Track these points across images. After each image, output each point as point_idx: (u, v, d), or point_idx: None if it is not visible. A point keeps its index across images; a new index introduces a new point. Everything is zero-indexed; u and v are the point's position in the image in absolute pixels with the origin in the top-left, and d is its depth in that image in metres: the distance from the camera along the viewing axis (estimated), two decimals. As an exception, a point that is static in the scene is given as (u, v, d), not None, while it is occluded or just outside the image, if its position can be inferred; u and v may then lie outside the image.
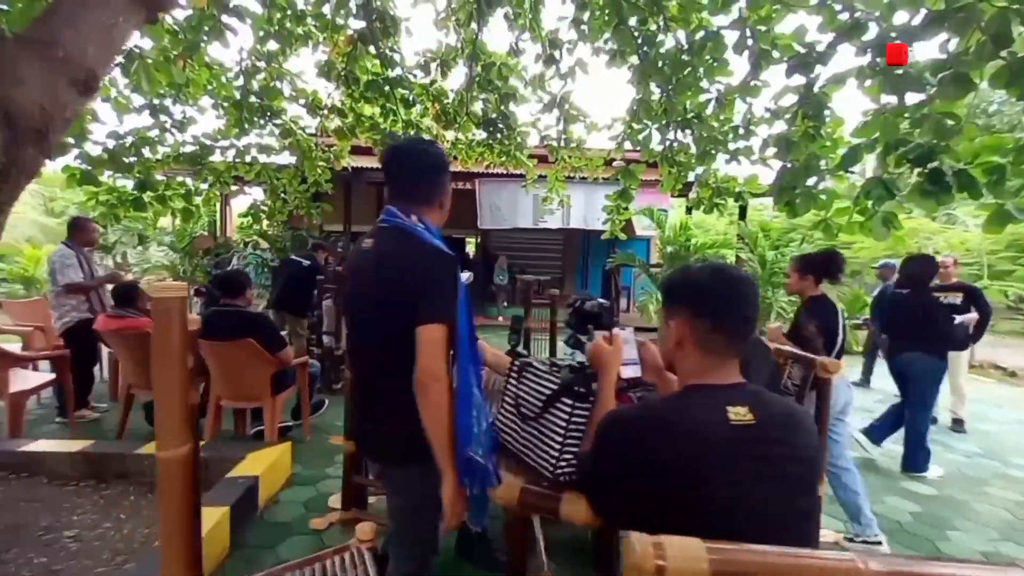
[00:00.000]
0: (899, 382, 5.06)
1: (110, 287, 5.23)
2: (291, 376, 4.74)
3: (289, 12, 4.74)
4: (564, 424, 1.74)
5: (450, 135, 6.36)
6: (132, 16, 1.73)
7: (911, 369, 4.85)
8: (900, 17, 2.33)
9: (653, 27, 3.85)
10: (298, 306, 6.75)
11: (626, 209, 5.41)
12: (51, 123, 1.48)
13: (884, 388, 8.29)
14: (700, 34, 3.58)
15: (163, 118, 4.65)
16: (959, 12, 2.03)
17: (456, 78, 5.65)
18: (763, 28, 3.11)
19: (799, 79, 2.82)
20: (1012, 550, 3.68)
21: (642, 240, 13.44)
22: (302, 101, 5.74)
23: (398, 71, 5.11)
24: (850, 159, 2.60)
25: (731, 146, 3.84)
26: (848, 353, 6.47)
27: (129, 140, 4.37)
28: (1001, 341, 13.77)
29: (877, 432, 5.32)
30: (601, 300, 2.15)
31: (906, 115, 2.35)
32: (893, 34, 2.24)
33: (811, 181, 2.94)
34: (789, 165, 3.01)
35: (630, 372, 1.97)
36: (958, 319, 5.56)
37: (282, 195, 6.81)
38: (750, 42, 3.11)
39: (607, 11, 3.90)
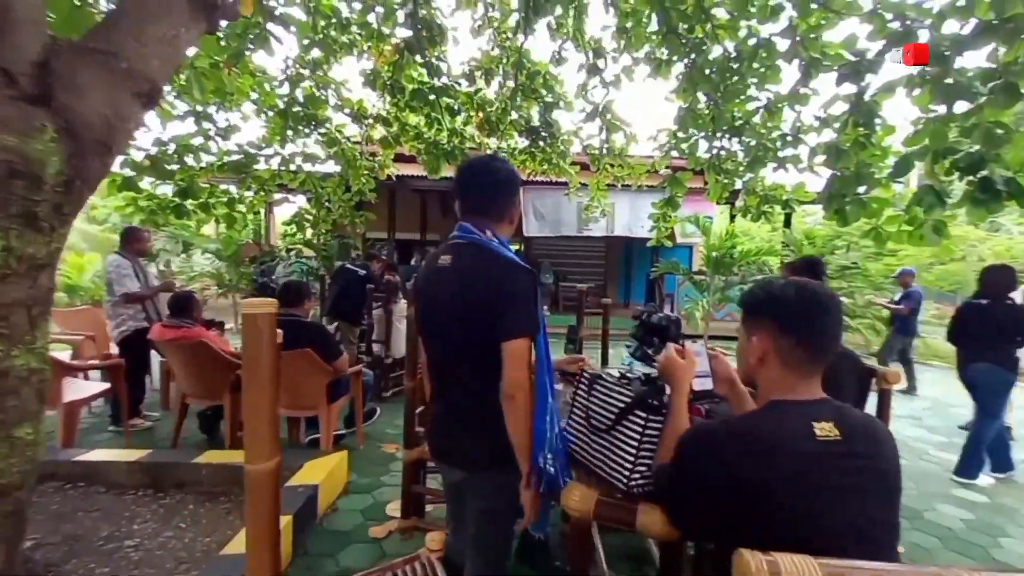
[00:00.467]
0: (970, 391, 5.03)
1: (165, 296, 5.39)
2: (345, 385, 4.79)
3: (334, 21, 4.90)
4: (638, 437, 1.77)
5: (492, 143, 6.45)
6: (193, 27, 1.80)
7: (979, 379, 4.85)
8: (950, 26, 2.39)
9: (701, 35, 3.92)
10: (351, 314, 6.90)
11: (672, 217, 5.48)
12: (115, 135, 1.56)
13: (930, 395, 8.36)
14: (750, 42, 3.66)
15: (206, 126, 4.79)
16: (1008, 23, 2.10)
17: (499, 86, 5.77)
18: (813, 36, 3.18)
19: (849, 87, 2.90)
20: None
21: (685, 247, 13.41)
22: (347, 110, 5.92)
23: (444, 80, 5.23)
24: (901, 168, 2.66)
25: (779, 154, 3.89)
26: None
27: (172, 147, 4.54)
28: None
29: (996, 458, 5.14)
30: (669, 313, 2.20)
31: (955, 124, 2.40)
32: (944, 43, 2.30)
33: (861, 189, 2.99)
34: (839, 173, 3.06)
35: (700, 384, 2.03)
36: None
37: (326, 204, 7.01)
38: (800, 50, 3.18)
39: (654, 19, 3.98)
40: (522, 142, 6.46)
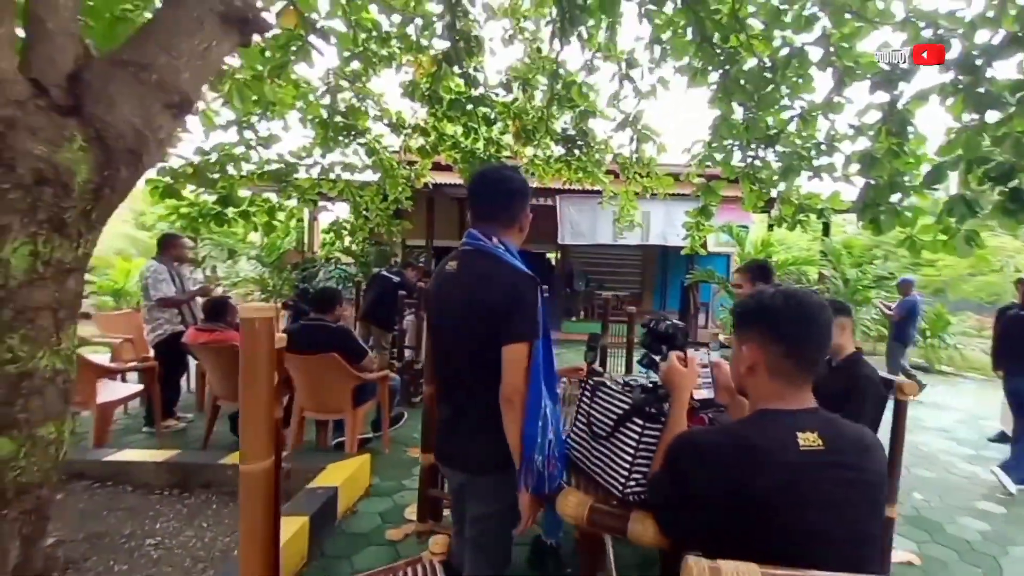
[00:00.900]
0: (1013, 401, 5.00)
1: (201, 300, 5.54)
2: (372, 389, 4.86)
3: (374, 34, 4.96)
4: (634, 444, 1.79)
5: (528, 151, 6.51)
6: (225, 40, 1.84)
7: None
8: (982, 36, 2.33)
9: (736, 45, 3.88)
10: (385, 319, 7.03)
11: (706, 226, 5.42)
12: (145, 145, 1.59)
13: (963, 407, 8.23)
14: (783, 51, 3.60)
15: (248, 135, 4.90)
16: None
17: (535, 95, 5.79)
18: (846, 45, 3.12)
19: (882, 96, 2.84)
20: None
21: (721, 256, 13.21)
22: (386, 120, 6.01)
23: (480, 90, 5.26)
24: (934, 176, 2.59)
25: (814, 163, 3.82)
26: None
27: (214, 156, 4.65)
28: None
29: (1017, 471, 5.05)
30: (676, 321, 2.18)
31: (987, 133, 2.33)
32: (975, 52, 2.24)
33: (895, 198, 2.94)
34: (873, 182, 3.00)
35: (703, 393, 2.02)
36: None
37: (364, 212, 7.11)
38: (833, 59, 3.13)
39: (688, 29, 3.95)
40: (558, 150, 6.46)
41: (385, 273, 7.62)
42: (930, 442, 6.20)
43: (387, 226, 7.45)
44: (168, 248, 5.46)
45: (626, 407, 1.87)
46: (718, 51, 3.88)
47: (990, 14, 2.26)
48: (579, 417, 2.08)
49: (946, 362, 11.76)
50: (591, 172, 6.38)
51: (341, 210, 7.87)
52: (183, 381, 5.81)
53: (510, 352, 1.75)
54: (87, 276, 1.64)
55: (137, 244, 17.94)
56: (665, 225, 11.31)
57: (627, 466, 1.77)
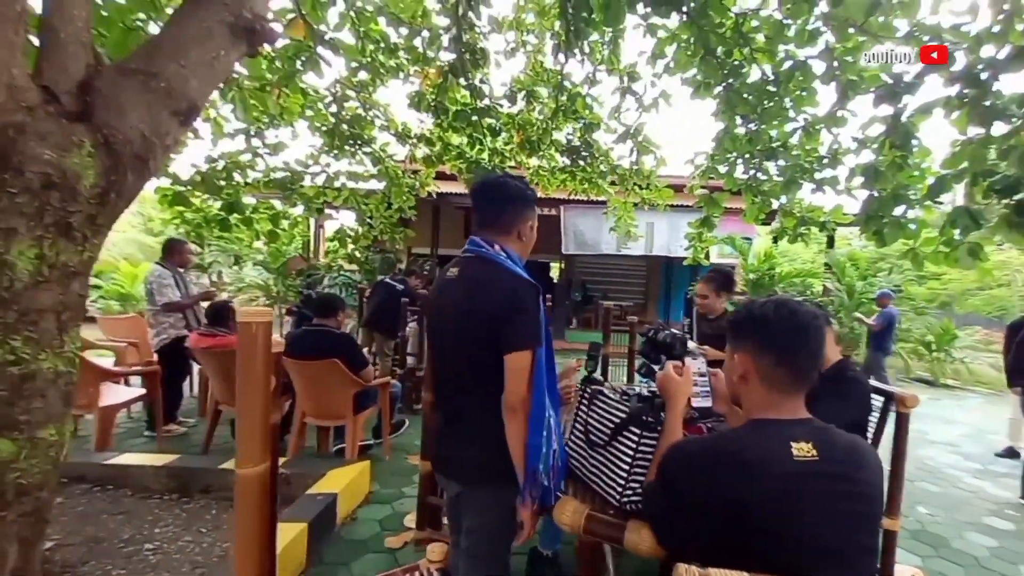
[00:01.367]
0: None
1: (205, 304, 5.54)
2: (373, 396, 4.85)
3: (382, 45, 5.00)
4: (631, 453, 1.78)
5: (533, 162, 6.52)
6: (233, 50, 1.86)
7: None
8: (987, 50, 2.32)
9: (739, 59, 3.89)
10: (388, 327, 7.02)
11: (708, 237, 5.42)
12: (152, 151, 1.59)
13: (970, 421, 8.19)
14: (787, 65, 3.61)
15: (256, 143, 4.94)
16: (1046, 45, 2.01)
17: (539, 107, 5.81)
18: (849, 59, 3.12)
19: (886, 109, 2.83)
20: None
21: (725, 267, 13.24)
22: (392, 130, 6.04)
23: (486, 101, 5.28)
24: (938, 189, 2.59)
25: (817, 176, 3.82)
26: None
27: (221, 164, 4.68)
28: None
29: None
30: (675, 331, 2.18)
31: (993, 146, 2.32)
32: (980, 66, 2.23)
33: (899, 210, 2.93)
34: (876, 194, 2.99)
35: (701, 402, 2.00)
36: None
37: (368, 220, 7.11)
38: (837, 72, 3.13)
39: (693, 42, 3.96)
40: (562, 161, 6.46)
41: (389, 281, 7.63)
42: (936, 456, 6.15)
43: (391, 234, 7.40)
44: (173, 253, 5.46)
45: (623, 416, 1.86)
46: (721, 65, 3.89)
47: (996, 29, 2.26)
48: (576, 425, 2.07)
49: (952, 376, 11.73)
50: (595, 183, 6.40)
51: (346, 218, 7.89)
52: (185, 386, 5.79)
53: (513, 360, 1.73)
54: (93, 280, 1.65)
55: (144, 249, 17.98)
56: (669, 236, 11.32)
57: (624, 475, 1.77)
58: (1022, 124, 2.15)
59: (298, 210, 6.11)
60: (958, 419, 8.21)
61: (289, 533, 2.99)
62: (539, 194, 7.05)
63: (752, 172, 4.42)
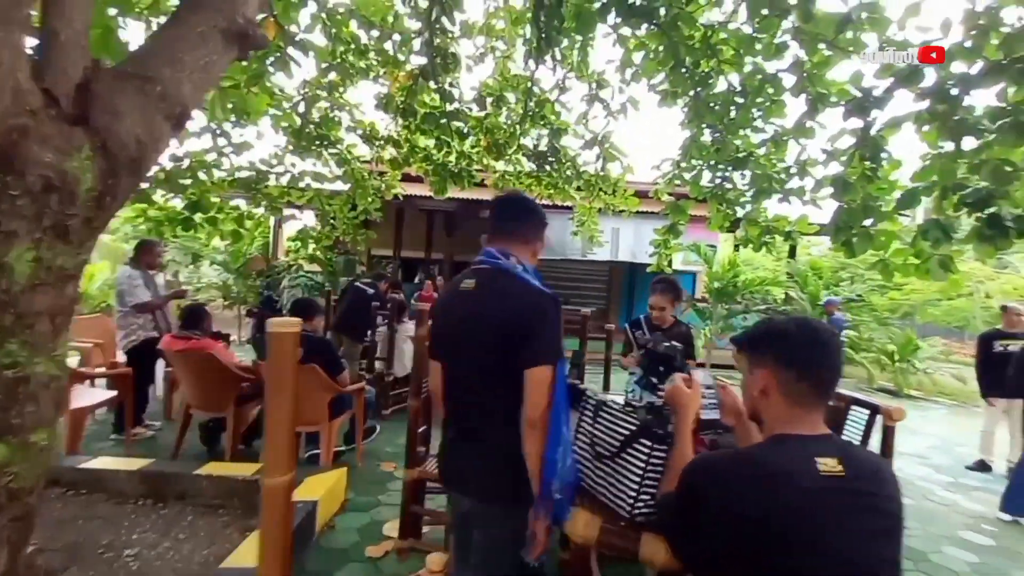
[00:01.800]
0: None
1: (177, 306, 5.39)
2: (348, 401, 4.77)
3: (352, 47, 4.96)
4: (642, 465, 1.78)
5: (500, 166, 6.53)
6: (225, 55, 1.82)
7: None
8: (957, 66, 2.40)
9: (707, 69, 3.96)
10: (357, 330, 6.89)
11: (673, 244, 5.50)
12: (145, 155, 1.56)
13: (937, 432, 8.26)
14: (756, 76, 3.71)
15: (221, 142, 4.84)
16: (1017, 63, 2.11)
17: (507, 111, 5.84)
18: (818, 72, 3.20)
19: (856, 122, 2.90)
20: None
21: (688, 274, 13.42)
22: (360, 131, 5.97)
23: (455, 105, 5.25)
24: (907, 201, 2.66)
25: (785, 186, 3.90)
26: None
27: (186, 162, 4.56)
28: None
29: (1014, 499, 4.95)
30: (676, 343, 2.19)
31: (963, 160, 2.41)
32: (951, 81, 2.31)
33: (868, 222, 3.00)
34: (845, 205, 3.06)
35: (708, 414, 2.00)
36: None
37: (331, 220, 7.01)
38: (807, 85, 3.21)
39: (662, 52, 4.01)
40: (529, 166, 6.49)
41: (359, 284, 7.49)
42: (905, 468, 6.14)
43: (354, 235, 7.33)
44: (144, 254, 5.31)
45: (632, 428, 1.85)
46: (690, 75, 3.95)
47: (968, 44, 2.34)
48: (579, 436, 2.06)
49: (915, 387, 11.76)
50: (562, 188, 6.43)
51: (308, 218, 7.77)
52: (149, 389, 5.60)
53: (536, 374, 1.70)
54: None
55: (101, 248, 17.35)
56: (634, 242, 11.38)
57: (635, 487, 1.77)
58: (994, 139, 2.24)
59: (261, 210, 5.98)
60: (925, 430, 8.25)
61: None
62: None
63: (718, 181, 4.49)
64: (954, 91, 2.32)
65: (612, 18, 3.92)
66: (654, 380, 2.11)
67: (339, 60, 4.94)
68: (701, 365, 3.20)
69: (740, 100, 3.86)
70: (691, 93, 4.09)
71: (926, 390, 11.80)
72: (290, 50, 4.07)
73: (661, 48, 3.99)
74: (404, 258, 13.12)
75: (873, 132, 2.85)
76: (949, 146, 2.45)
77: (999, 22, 2.23)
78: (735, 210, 4.62)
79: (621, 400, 2.40)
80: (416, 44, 4.75)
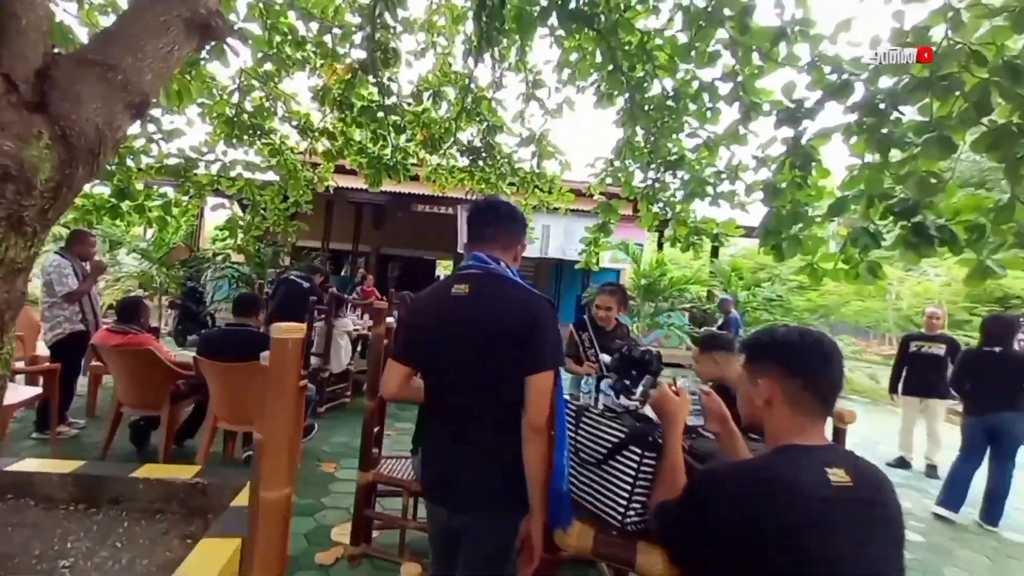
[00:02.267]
0: (989, 439, 4.91)
1: (105, 299, 5.08)
2: None
3: (290, 38, 4.81)
4: (632, 472, 1.73)
5: (434, 160, 6.47)
6: (187, 44, 1.74)
7: (1012, 427, 4.77)
8: (884, 81, 2.51)
9: (641, 73, 4.02)
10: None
11: (604, 242, 5.59)
12: (104, 144, 1.47)
13: (855, 430, 8.61)
14: (689, 82, 3.80)
15: (151, 128, 4.64)
16: (943, 80, 2.21)
17: (444, 106, 5.77)
18: (750, 82, 3.29)
19: (787, 131, 2.98)
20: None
21: (613, 271, 13.72)
22: (294, 122, 5.78)
23: (393, 99, 5.14)
24: (836, 209, 2.76)
25: (715, 189, 3.99)
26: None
27: (113, 148, 4.31)
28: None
29: (953, 502, 5.04)
30: (650, 347, 2.15)
31: (890, 171, 2.52)
32: (880, 96, 2.43)
33: (797, 227, 3.08)
34: (775, 211, 3.14)
35: (692, 420, 1.96)
36: None
37: (261, 211, 6.76)
38: (740, 94, 3.29)
39: (599, 55, 4.07)
40: (463, 161, 6.44)
41: (293, 277, 7.26)
42: None
43: (284, 226, 7.00)
44: (76, 244, 4.96)
45: (621, 435, 1.81)
46: (627, 79, 3.99)
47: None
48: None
49: None
50: (494, 184, 6.38)
51: (235, 207, 7.49)
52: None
53: (539, 381, 1.66)
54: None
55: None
56: (564, 239, 11.50)
57: (626, 495, 1.73)
58: (920, 152, 2.33)
59: (188, 198, 5.74)
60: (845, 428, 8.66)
61: (224, 550, 2.61)
62: (436, 192, 7.09)
63: (651, 182, 4.57)
64: (882, 105, 2.42)
65: (552, 21, 3.94)
66: (626, 383, 2.07)
67: (275, 51, 4.78)
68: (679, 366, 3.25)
69: (673, 104, 3.95)
70: (626, 96, 4.15)
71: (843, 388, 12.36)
72: (228, 39, 3.93)
73: (598, 51, 4.04)
74: (334, 250, 12.84)
75: (804, 141, 2.93)
76: (876, 157, 2.56)
77: (925, 40, 2.33)
78: (666, 211, 4.71)
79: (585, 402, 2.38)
80: (357, 38, 4.61)
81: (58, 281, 4.72)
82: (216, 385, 4.19)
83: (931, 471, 6.30)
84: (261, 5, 4.30)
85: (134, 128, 4.46)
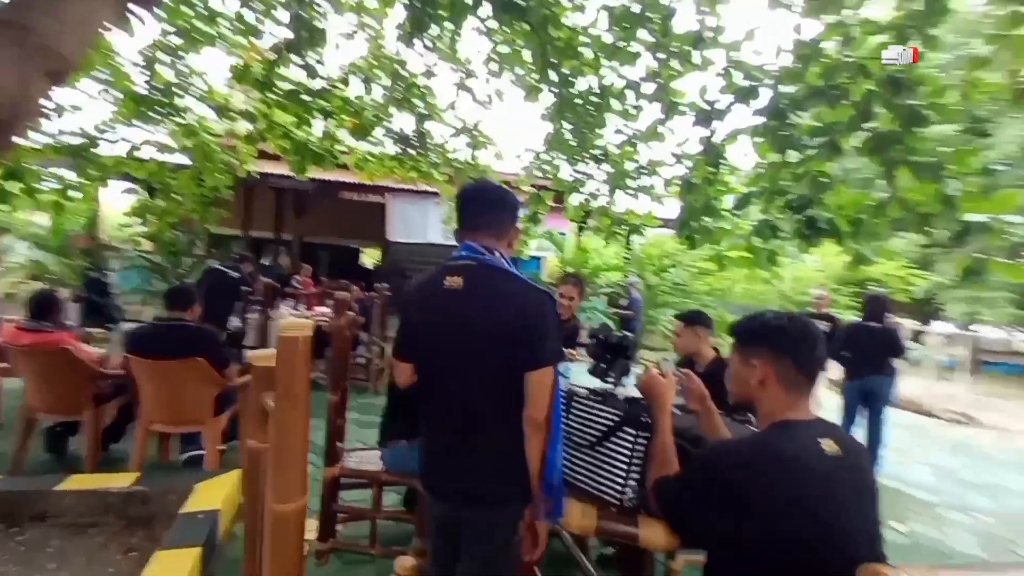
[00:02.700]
0: (863, 400, 5.62)
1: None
2: (232, 396, 4.27)
3: (203, 10, 4.69)
4: (628, 452, 1.87)
5: (363, 146, 6.42)
6: (108, 10, 1.72)
7: (882, 389, 5.52)
8: (786, 88, 2.82)
9: (569, 69, 4.24)
10: (218, 318, 6.18)
11: (533, 231, 5.79)
12: (19, 114, 1.43)
13: None
14: (619, 83, 4.06)
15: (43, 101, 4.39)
16: (834, 89, 2.51)
17: (374, 91, 5.76)
18: (670, 83, 3.57)
19: (702, 131, 3.26)
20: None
21: (535, 259, 14.07)
22: (211, 102, 5.58)
23: (320, 82, 5.13)
24: (741, 203, 3.08)
25: (637, 183, 4.27)
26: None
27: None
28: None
29: None
30: (625, 332, 2.31)
31: (788, 170, 2.84)
32: (784, 101, 2.71)
33: (709, 219, 3.38)
34: (688, 204, 3.43)
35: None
36: None
37: (176, 196, 6.48)
38: (661, 95, 3.56)
39: (529, 48, 4.26)
40: (393, 149, 6.43)
41: (220, 267, 7.05)
42: None
43: (201, 212, 6.57)
44: None
45: (616, 417, 1.94)
46: (558, 75, 4.21)
47: (793, 67, 2.75)
48: None
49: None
50: (426, 172, 6.45)
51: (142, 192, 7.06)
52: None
53: (541, 375, 1.68)
54: None
55: None
56: None
57: (623, 474, 1.87)
58: (814, 155, 2.65)
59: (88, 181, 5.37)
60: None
61: (183, 561, 2.55)
62: (365, 180, 7.06)
63: (578, 174, 4.82)
64: (785, 110, 2.72)
65: (485, 11, 4.10)
66: (602, 366, 2.20)
67: (187, 24, 4.64)
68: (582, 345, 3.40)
69: (599, 101, 4.19)
70: (555, 91, 4.37)
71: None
72: (132, 7, 3.82)
73: (528, 43, 4.23)
74: (255, 238, 12.57)
75: (716, 141, 3.22)
76: (777, 157, 2.87)
77: (820, 52, 2.63)
78: (590, 202, 4.97)
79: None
80: (280, 16, 4.59)
81: None
82: (150, 385, 3.96)
83: None
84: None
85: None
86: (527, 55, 4.40)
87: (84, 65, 4.11)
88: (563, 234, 11.84)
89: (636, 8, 3.44)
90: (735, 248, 3.32)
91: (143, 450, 3.97)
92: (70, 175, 5.17)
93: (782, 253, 3.19)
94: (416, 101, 5.66)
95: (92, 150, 5.05)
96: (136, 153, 5.37)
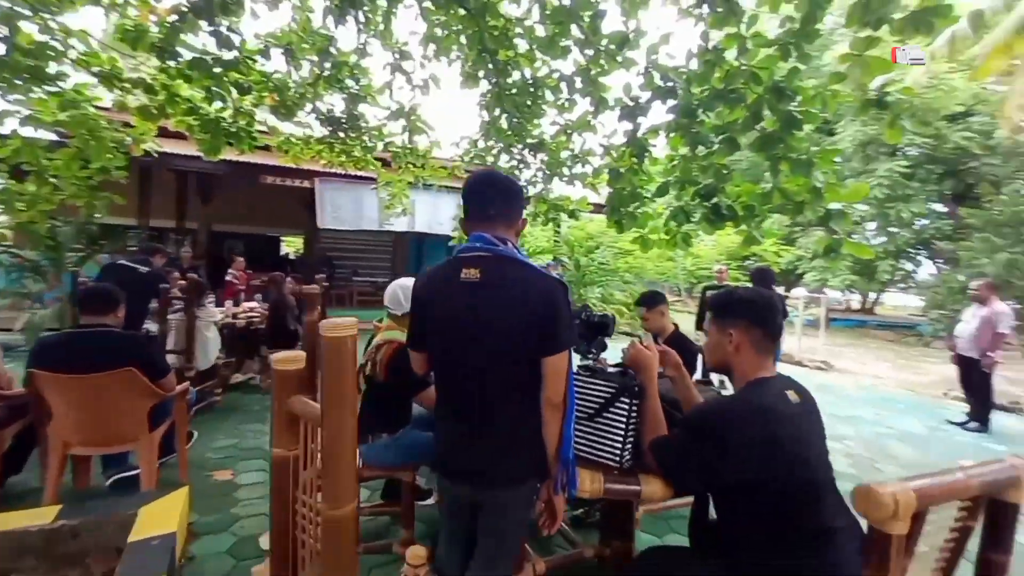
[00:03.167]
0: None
1: None
2: (168, 407, 4.28)
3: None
4: (624, 419, 2.29)
5: (286, 128, 6.63)
6: None
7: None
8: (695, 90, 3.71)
9: (505, 59, 5.01)
10: (134, 321, 5.89)
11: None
12: None
13: None
14: (553, 75, 4.91)
15: None
16: (732, 93, 3.39)
17: (300, 67, 5.80)
18: (599, 79, 4.43)
19: (627, 124, 4.13)
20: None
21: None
22: (95, 68, 4.99)
23: (235, 53, 4.93)
24: (660, 191, 4.04)
25: (571, 171, 5.25)
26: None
27: None
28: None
29: None
30: (605, 312, 2.85)
31: (697, 162, 3.78)
32: (695, 101, 3.60)
33: (634, 205, 4.28)
34: (616, 191, 4.31)
35: None
36: None
37: (51, 179, 5.61)
38: (590, 89, 4.43)
39: (467, 32, 4.96)
40: (321, 131, 6.56)
41: (125, 263, 6.75)
42: None
43: (87, 198, 5.98)
44: None
45: (612, 389, 2.37)
46: (494, 63, 4.97)
47: (700, 71, 3.59)
48: None
49: (639, 328, 15.76)
50: (358, 157, 6.76)
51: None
52: None
53: (558, 360, 1.98)
54: None
55: None
56: (432, 214, 13.17)
57: (621, 439, 2.31)
58: (717, 148, 3.58)
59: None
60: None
61: None
62: (290, 164, 7.44)
63: (515, 162, 5.70)
64: (696, 108, 3.62)
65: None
66: (586, 344, 2.73)
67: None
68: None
69: (534, 92, 5.04)
70: (492, 80, 5.12)
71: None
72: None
73: (464, 28, 4.92)
74: (154, 228, 12.53)
75: (639, 134, 4.10)
76: (688, 151, 3.80)
77: (722, 59, 3.49)
78: (527, 188, 5.79)
79: None
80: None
81: None
82: (64, 404, 3.81)
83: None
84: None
85: None
86: (464, 41, 5.01)
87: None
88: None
89: (567, 1, 4.12)
90: (655, 231, 4.23)
91: (58, 479, 3.85)
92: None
93: (694, 235, 4.17)
94: (349, 81, 5.85)
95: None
96: (-4, 126, 4.77)
